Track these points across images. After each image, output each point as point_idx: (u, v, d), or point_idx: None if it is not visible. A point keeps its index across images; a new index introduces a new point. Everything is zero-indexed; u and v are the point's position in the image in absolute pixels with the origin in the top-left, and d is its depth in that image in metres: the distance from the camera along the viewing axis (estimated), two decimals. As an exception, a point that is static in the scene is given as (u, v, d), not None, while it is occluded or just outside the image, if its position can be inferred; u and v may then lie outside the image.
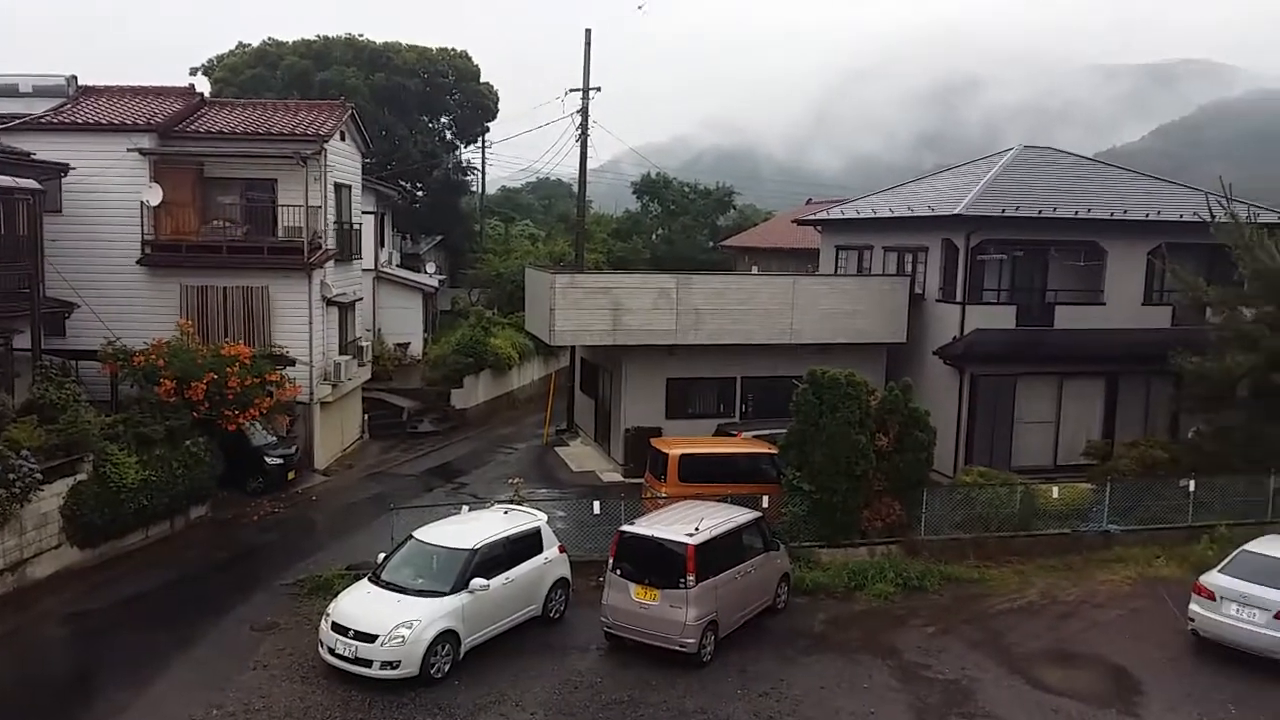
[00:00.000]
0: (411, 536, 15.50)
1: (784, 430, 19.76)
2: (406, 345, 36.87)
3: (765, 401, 25.47)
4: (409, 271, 40.76)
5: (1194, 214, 24.38)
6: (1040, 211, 24.53)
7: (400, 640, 13.48)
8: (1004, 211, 24.23)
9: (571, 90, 32.74)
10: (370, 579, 14.92)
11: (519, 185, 76.03)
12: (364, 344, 29.24)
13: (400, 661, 13.44)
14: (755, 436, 22.06)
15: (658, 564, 14.77)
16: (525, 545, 15.76)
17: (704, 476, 19.77)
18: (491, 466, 26.88)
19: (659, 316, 24.92)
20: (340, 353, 26.55)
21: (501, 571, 14.98)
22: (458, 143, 52.82)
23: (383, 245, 38.16)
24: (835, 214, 31.56)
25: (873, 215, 28.58)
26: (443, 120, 51.82)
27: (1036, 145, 30.67)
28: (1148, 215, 25.25)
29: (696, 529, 14.96)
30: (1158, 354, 23.44)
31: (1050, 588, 18.15)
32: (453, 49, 51.18)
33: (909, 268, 27.12)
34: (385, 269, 37.55)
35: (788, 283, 26.48)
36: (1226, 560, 15.90)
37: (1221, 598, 15.07)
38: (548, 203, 77.35)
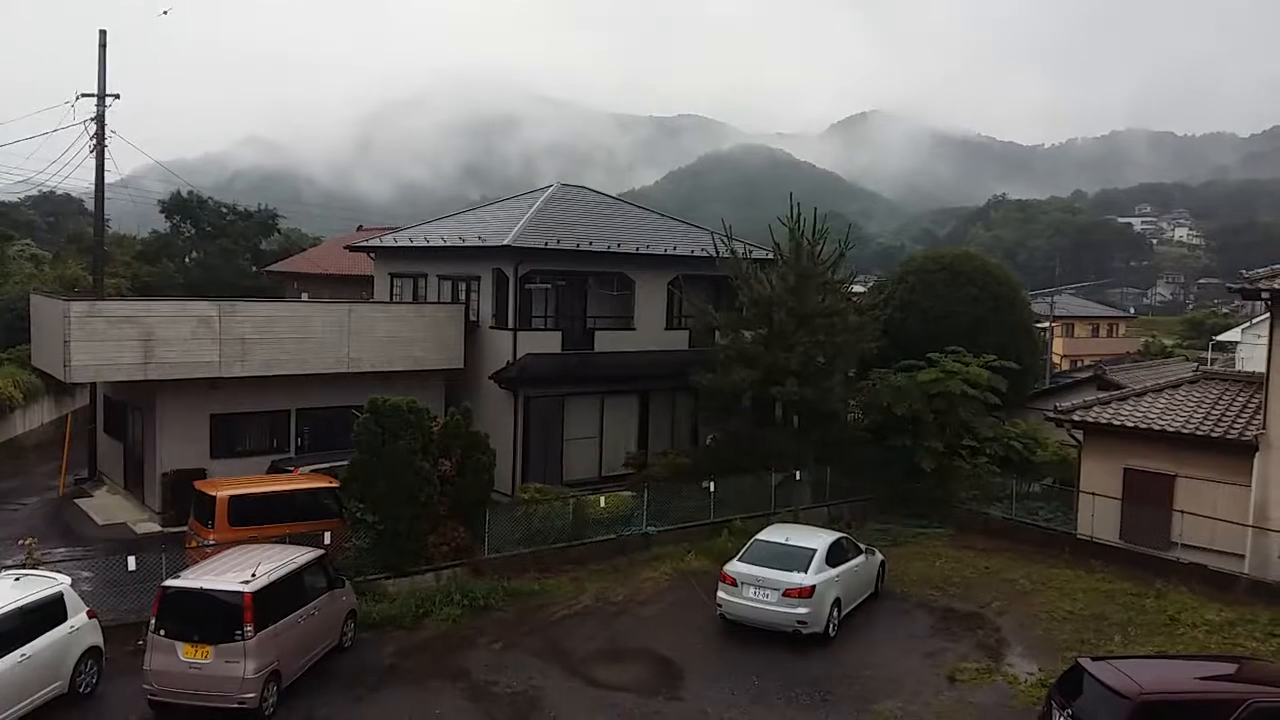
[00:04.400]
0: (-113, 620, 12.77)
1: (345, 462, 19.32)
2: None
3: (324, 434, 24.58)
4: None
5: (703, 250, 28.03)
6: (579, 245, 26.60)
7: (-126, 751, 11.05)
8: (547, 244, 25.91)
9: (84, 95, 29.07)
10: None
11: (16, 199, 65.50)
12: None
13: (-125, 777, 11.02)
14: (314, 471, 21.23)
15: (209, 618, 13.70)
16: (43, 615, 13.74)
17: (259, 518, 18.59)
18: (-9, 528, 22.86)
19: (200, 347, 22.97)
20: None
21: (15, 648, 12.95)
22: (-70, 146, 44.31)
23: None
24: (389, 241, 31.44)
25: (426, 244, 28.95)
26: (-91, 119, 43.18)
27: (571, 184, 33.23)
28: (666, 250, 28.51)
29: (253, 575, 14.11)
30: (679, 372, 26.61)
31: (602, 590, 19.68)
32: (-82, 34, 42.95)
33: (463, 296, 27.86)
34: None
35: (343, 310, 25.85)
36: (744, 549, 18.38)
37: (742, 583, 17.41)
38: (53, 220, 67.61)
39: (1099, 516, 22.59)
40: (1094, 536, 22.63)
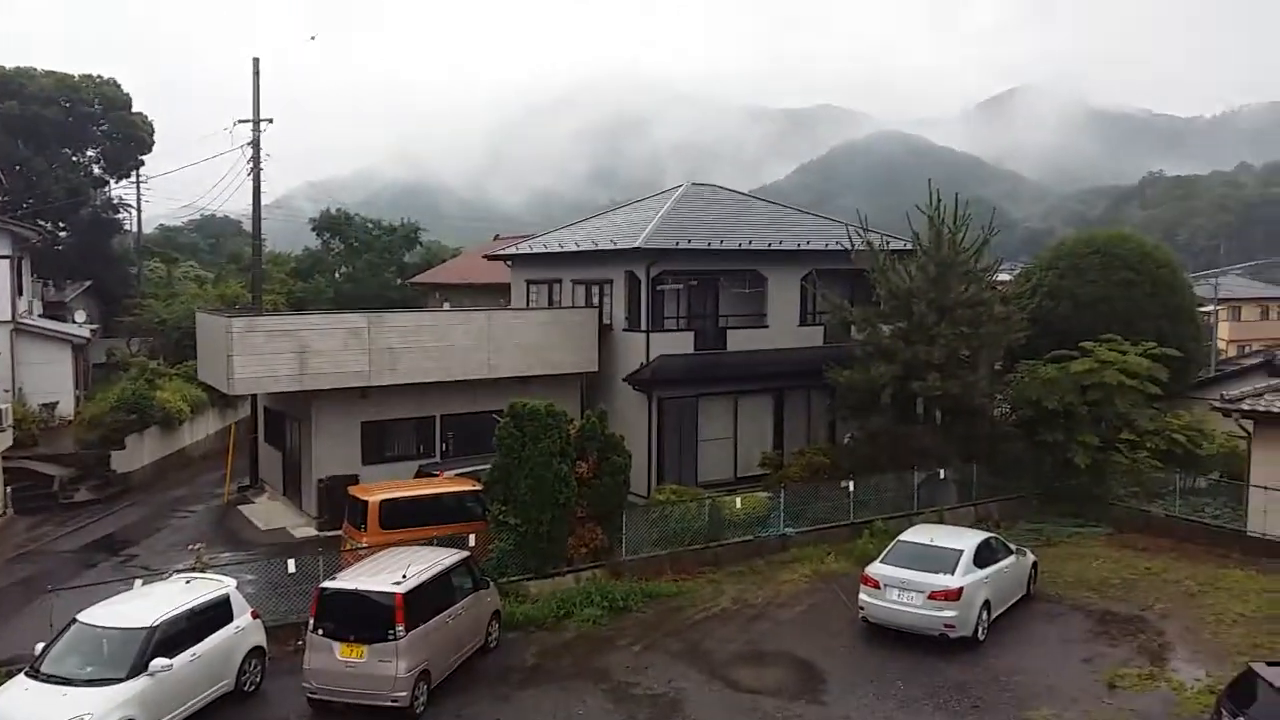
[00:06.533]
0: (75, 620, 13.81)
1: (488, 466, 19.81)
2: (54, 405, 32.77)
3: (467, 438, 25.34)
4: (54, 321, 36.34)
5: (837, 243, 27.40)
6: (710, 244, 26.48)
7: (70, 740, 11.96)
8: (678, 244, 25.90)
9: (241, 121, 30.88)
10: (28, 674, 13.15)
11: (180, 224, 70.27)
12: (1, 406, 25.67)
13: (72, 764, 11.93)
14: (459, 474, 21.88)
15: (364, 618, 14.25)
16: (212, 616, 14.57)
17: (408, 521, 19.29)
18: (166, 533, 24.51)
19: (351, 358, 24.04)
20: (-29, 418, 23.15)
21: (187, 647, 13.77)
22: (108, 178, 48.04)
23: (21, 293, 33.77)
24: (524, 249, 32.13)
25: (559, 250, 29.43)
26: (89, 154, 46.97)
27: (702, 182, 33.12)
28: (799, 245, 28.02)
29: (404, 576, 14.62)
30: (814, 369, 26.12)
31: (741, 593, 19.52)
32: (99, 76, 46.67)
33: (597, 299, 28.19)
34: (25, 320, 33.24)
35: (483, 318, 26.57)
36: (886, 551, 17.88)
37: (885, 585, 16.93)
38: (214, 242, 72.22)
39: (1272, 513, 20.98)
40: (1267, 534, 21.08)
